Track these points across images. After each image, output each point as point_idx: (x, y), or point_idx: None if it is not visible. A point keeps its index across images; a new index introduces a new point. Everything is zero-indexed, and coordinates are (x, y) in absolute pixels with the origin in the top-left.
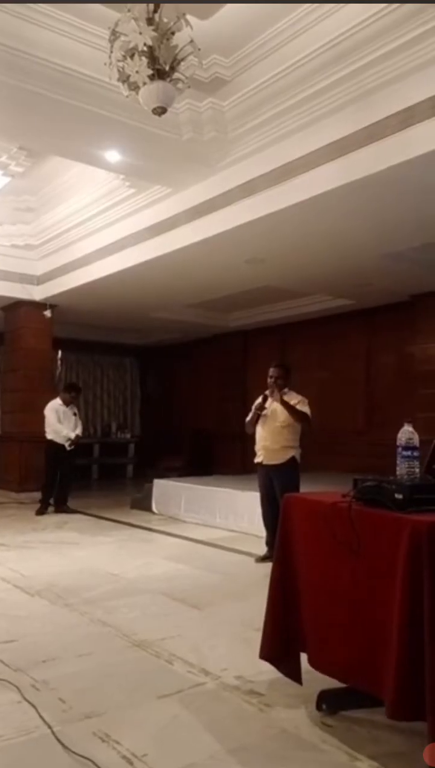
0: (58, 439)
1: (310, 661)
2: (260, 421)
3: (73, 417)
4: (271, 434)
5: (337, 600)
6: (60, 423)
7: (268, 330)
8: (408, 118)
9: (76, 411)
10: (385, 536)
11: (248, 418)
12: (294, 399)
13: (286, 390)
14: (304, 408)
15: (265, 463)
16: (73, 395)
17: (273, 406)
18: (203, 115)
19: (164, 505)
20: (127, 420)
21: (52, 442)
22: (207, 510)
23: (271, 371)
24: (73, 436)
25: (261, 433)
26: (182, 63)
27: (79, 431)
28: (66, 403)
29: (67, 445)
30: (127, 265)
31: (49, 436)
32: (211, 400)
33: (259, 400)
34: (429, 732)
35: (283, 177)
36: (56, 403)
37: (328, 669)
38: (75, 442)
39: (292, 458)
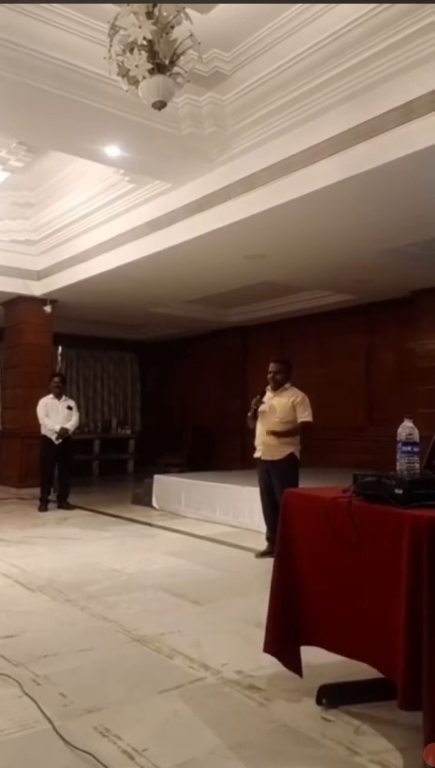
0: (47, 433)
1: (332, 650)
2: (260, 416)
3: (67, 410)
4: (269, 430)
5: (340, 595)
6: (47, 417)
7: (268, 326)
8: (408, 112)
9: (71, 404)
10: (386, 532)
11: (249, 414)
12: (294, 396)
13: (286, 386)
14: (304, 411)
15: (263, 458)
16: (56, 382)
17: (272, 401)
18: (203, 110)
19: (165, 501)
20: (128, 416)
21: (44, 437)
22: (207, 505)
23: (271, 367)
24: (57, 428)
25: (260, 428)
26: (182, 57)
27: (69, 424)
28: (56, 395)
29: (54, 438)
30: (127, 260)
31: (42, 431)
32: (211, 396)
33: (258, 396)
34: (424, 729)
35: (283, 172)
36: (47, 397)
37: (353, 655)
38: (62, 434)
39: (291, 454)
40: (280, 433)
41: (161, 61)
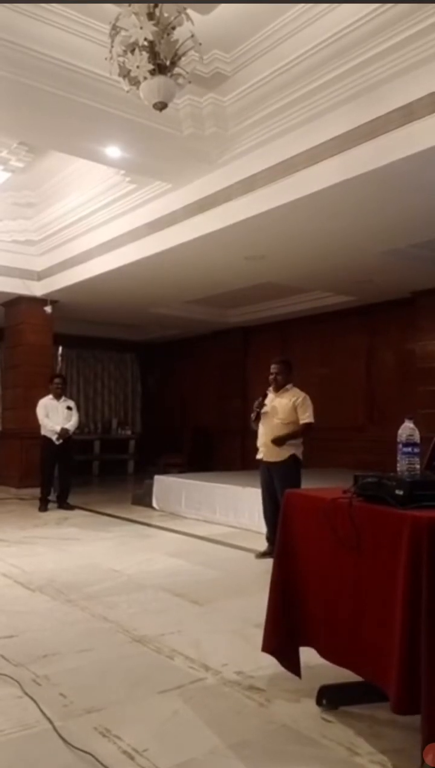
0: (48, 434)
1: (321, 653)
2: (262, 418)
3: (66, 411)
4: (271, 431)
5: (340, 595)
6: (47, 417)
7: (269, 326)
8: (409, 114)
9: (71, 405)
10: (386, 532)
11: (252, 417)
12: (295, 397)
13: (288, 386)
14: (305, 412)
15: (265, 460)
16: (57, 383)
17: (273, 402)
18: (204, 111)
19: (165, 501)
20: (128, 416)
21: (44, 438)
22: (207, 506)
23: (272, 368)
24: (58, 429)
25: (261, 429)
26: (183, 58)
27: (69, 425)
28: (55, 395)
29: (54, 438)
30: (127, 261)
31: (42, 431)
32: (212, 397)
33: (260, 399)
34: (422, 729)
35: (284, 173)
36: (47, 398)
37: (339, 661)
38: (62, 435)
39: (293, 456)
40: (281, 438)
41: (162, 61)
